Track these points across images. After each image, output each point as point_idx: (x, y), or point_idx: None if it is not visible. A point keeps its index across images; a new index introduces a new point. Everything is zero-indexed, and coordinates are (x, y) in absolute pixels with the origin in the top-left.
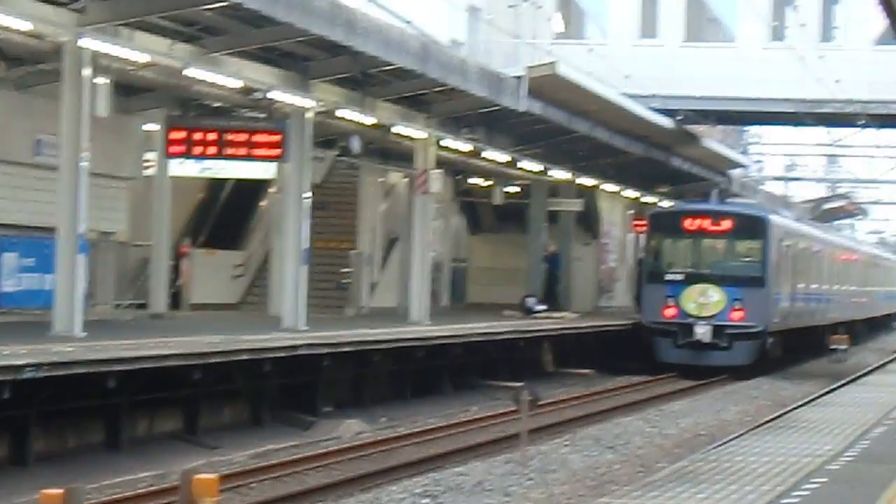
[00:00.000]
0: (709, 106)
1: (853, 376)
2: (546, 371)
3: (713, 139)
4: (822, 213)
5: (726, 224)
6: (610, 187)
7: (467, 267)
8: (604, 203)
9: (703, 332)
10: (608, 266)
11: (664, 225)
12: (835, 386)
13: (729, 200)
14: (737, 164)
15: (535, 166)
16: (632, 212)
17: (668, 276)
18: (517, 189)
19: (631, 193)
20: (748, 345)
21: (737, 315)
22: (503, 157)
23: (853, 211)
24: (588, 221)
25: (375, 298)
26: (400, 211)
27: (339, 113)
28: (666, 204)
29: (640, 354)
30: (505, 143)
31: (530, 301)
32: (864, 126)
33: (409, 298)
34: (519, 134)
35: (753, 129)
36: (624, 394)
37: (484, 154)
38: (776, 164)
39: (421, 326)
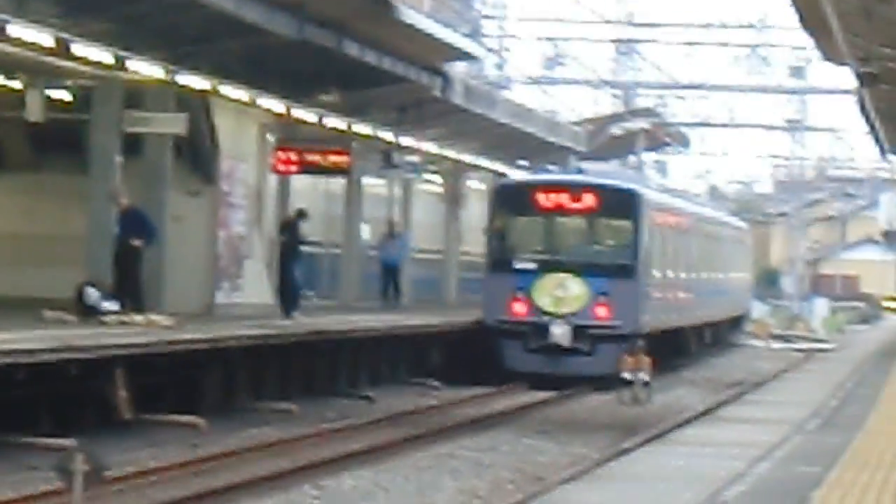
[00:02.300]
0: None
1: (659, 430)
2: (121, 419)
3: (419, 11)
4: (611, 141)
5: (589, 200)
6: (236, 93)
7: None
8: (225, 121)
9: (560, 333)
10: (232, 233)
11: (510, 200)
12: (626, 447)
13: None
14: (461, 55)
15: (102, 55)
16: (274, 137)
17: (518, 265)
18: (70, 96)
19: (273, 104)
20: (614, 349)
21: (601, 312)
22: (43, 38)
23: (663, 139)
24: (196, 154)
25: None
26: None
27: None
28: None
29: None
30: (48, 10)
31: (92, 294)
32: None
33: None
34: None
35: None
36: (256, 458)
37: (9, 31)
38: (530, 56)
39: None
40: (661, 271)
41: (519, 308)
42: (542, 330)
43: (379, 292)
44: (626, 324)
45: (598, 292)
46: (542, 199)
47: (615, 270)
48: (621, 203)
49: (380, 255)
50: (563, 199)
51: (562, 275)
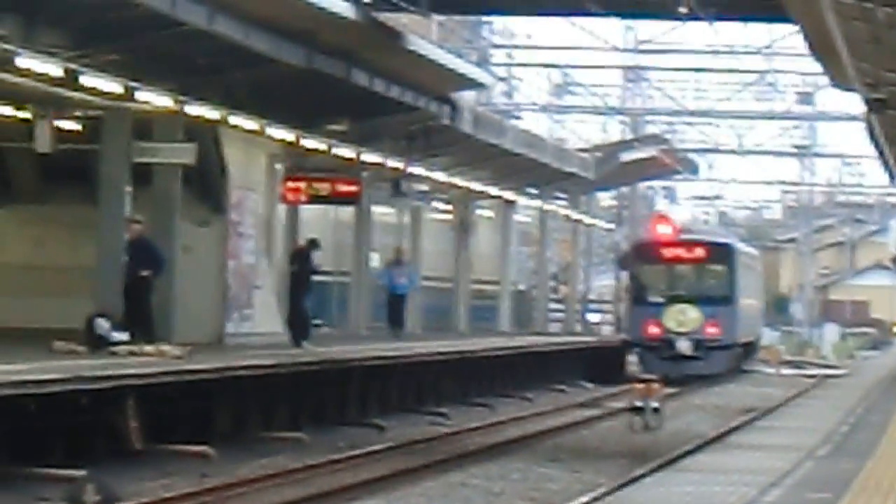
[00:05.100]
0: None
1: (670, 457)
2: (132, 449)
3: (427, 39)
4: (620, 169)
5: (700, 252)
6: (245, 122)
7: None
8: (234, 150)
9: (684, 345)
10: (242, 263)
11: (645, 254)
12: (638, 474)
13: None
14: (470, 84)
15: (112, 85)
16: (283, 166)
17: (652, 299)
18: (79, 126)
19: (282, 134)
20: (722, 355)
21: (712, 329)
22: (52, 69)
23: (672, 166)
24: (206, 184)
25: None
26: None
27: None
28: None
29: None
30: (57, 40)
31: (102, 325)
32: (689, 18)
33: None
34: (81, 28)
35: (499, 23)
36: (267, 488)
37: (18, 62)
38: (539, 83)
39: None
40: (744, 300)
41: (653, 329)
42: (670, 344)
43: (386, 320)
44: (728, 337)
45: (708, 316)
46: (667, 252)
47: (720, 300)
48: (722, 253)
49: (386, 282)
50: (682, 251)
51: (683, 304)
